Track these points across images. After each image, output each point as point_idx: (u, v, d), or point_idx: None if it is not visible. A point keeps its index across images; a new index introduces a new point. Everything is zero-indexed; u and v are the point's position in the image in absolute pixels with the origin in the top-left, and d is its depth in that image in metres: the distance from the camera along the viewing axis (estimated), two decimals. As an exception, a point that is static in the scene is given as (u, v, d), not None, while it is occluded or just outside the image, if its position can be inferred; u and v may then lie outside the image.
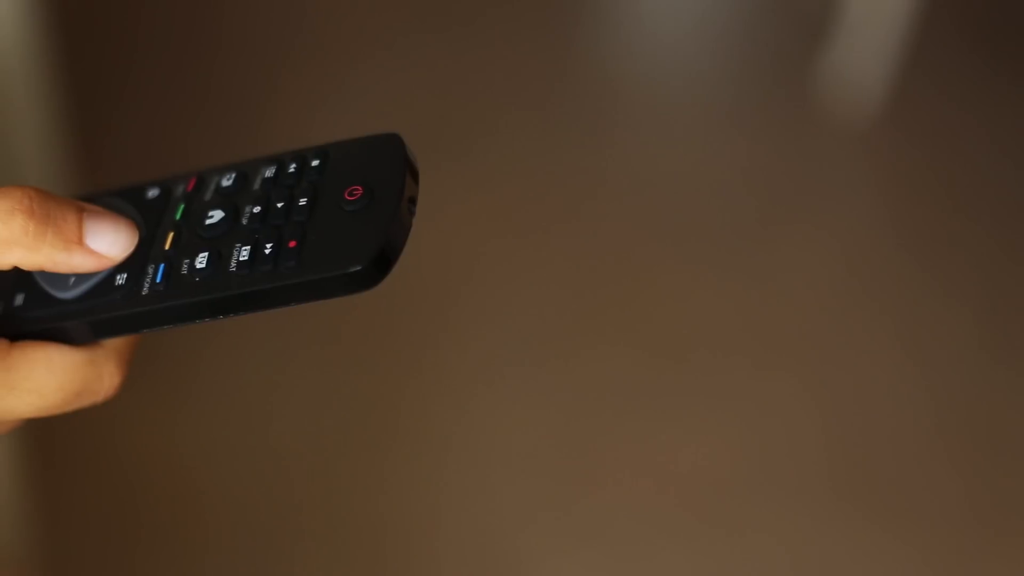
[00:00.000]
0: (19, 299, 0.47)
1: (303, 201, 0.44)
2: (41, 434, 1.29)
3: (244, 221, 0.45)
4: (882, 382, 1.43)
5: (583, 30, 1.81)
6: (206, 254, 0.44)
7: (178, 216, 0.46)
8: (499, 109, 1.69)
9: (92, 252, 0.45)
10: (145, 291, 0.45)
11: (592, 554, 1.31)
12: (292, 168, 0.45)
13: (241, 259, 0.44)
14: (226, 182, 0.46)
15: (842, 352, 1.46)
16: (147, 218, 0.46)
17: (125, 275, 0.45)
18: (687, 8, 1.87)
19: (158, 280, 0.44)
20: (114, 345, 0.46)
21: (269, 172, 0.46)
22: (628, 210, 1.59)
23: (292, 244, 0.43)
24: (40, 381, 0.45)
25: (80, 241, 0.45)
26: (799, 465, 1.37)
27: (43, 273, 0.46)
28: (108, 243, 0.45)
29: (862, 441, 1.39)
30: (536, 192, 1.58)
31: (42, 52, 1.12)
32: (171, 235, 0.45)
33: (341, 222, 0.43)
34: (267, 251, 0.43)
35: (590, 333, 1.46)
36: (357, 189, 0.44)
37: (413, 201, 0.44)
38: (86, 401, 0.46)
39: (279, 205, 0.44)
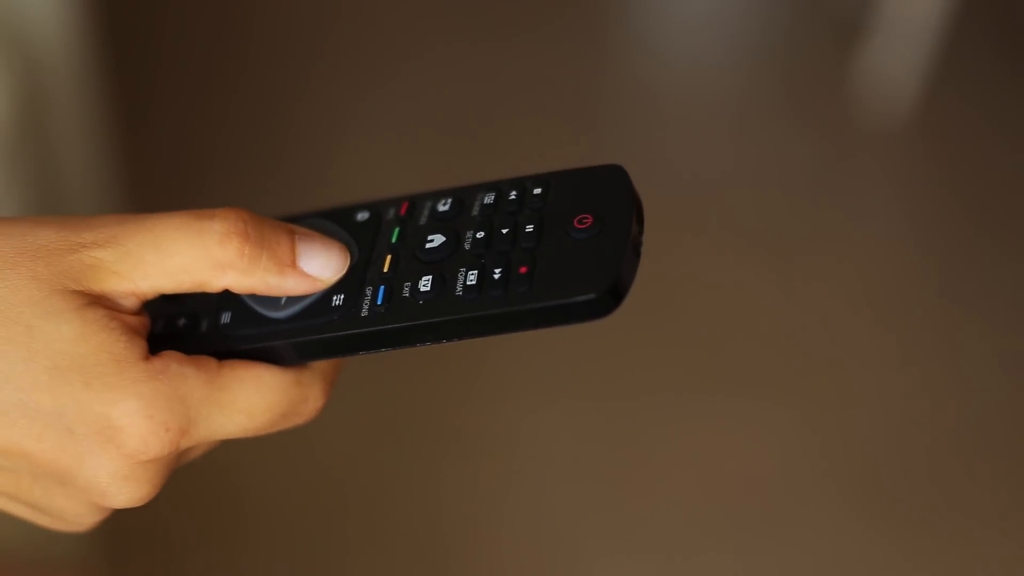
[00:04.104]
0: (225, 317, 0.46)
1: (529, 228, 0.43)
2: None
3: (467, 246, 0.44)
4: (918, 388, 1.45)
5: (614, 38, 1.81)
6: (429, 278, 0.43)
7: (394, 239, 0.45)
8: (530, 120, 1.69)
9: (305, 275, 0.44)
10: (364, 312, 0.44)
11: (642, 555, 1.31)
12: (513, 195, 0.44)
13: (468, 283, 0.43)
14: (442, 207, 0.45)
15: (877, 356, 1.47)
16: (360, 240, 0.46)
17: (342, 296, 0.44)
18: (717, 16, 1.87)
19: (379, 302, 0.44)
20: (320, 367, 0.46)
21: (488, 199, 0.45)
22: (663, 216, 1.59)
23: (523, 270, 0.42)
24: (250, 401, 0.44)
25: (294, 264, 0.44)
26: (843, 471, 1.38)
27: None
28: (321, 266, 0.45)
29: (904, 448, 1.40)
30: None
31: (83, 53, 1.11)
32: (389, 258, 0.45)
33: (571, 250, 0.42)
34: (496, 276, 0.42)
35: (638, 340, 1.47)
36: (587, 218, 0.43)
37: (640, 233, 0.43)
38: (289, 423, 0.46)
39: (504, 231, 0.44)
